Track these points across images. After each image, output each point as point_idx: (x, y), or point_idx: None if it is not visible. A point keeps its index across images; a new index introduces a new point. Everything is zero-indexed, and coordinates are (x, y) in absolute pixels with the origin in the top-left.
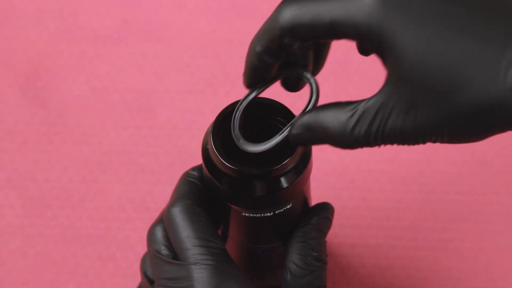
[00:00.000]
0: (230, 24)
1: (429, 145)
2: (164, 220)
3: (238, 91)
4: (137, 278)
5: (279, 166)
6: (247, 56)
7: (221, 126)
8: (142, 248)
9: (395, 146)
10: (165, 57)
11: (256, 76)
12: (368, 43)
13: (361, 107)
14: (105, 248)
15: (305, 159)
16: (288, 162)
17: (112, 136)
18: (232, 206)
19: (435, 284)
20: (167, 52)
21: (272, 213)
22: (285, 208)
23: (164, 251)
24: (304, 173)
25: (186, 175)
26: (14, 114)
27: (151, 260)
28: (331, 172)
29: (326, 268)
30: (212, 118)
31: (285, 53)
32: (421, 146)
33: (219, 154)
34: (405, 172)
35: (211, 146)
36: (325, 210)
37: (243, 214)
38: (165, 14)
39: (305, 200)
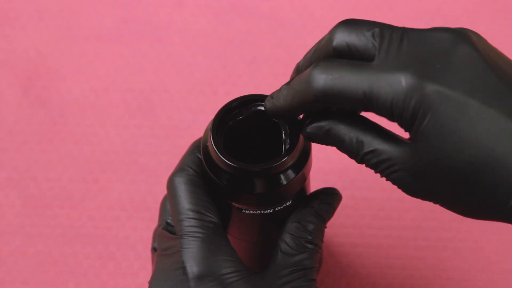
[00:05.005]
0: (230, 24)
1: None
2: (166, 188)
3: (238, 91)
4: (137, 278)
5: (279, 163)
6: (283, 102)
7: (221, 123)
8: (142, 248)
9: None
10: (165, 57)
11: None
12: (398, 121)
13: (375, 144)
14: (105, 247)
15: (305, 156)
16: (288, 159)
17: (112, 136)
18: (232, 203)
19: (435, 284)
20: (167, 52)
21: (272, 210)
22: (285, 205)
23: (170, 221)
24: (303, 170)
25: (194, 145)
26: (14, 114)
27: (155, 230)
28: (331, 172)
29: (318, 251)
30: (212, 117)
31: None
32: None
33: (218, 151)
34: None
35: (211, 143)
36: (329, 195)
37: (243, 211)
38: (165, 14)
39: (305, 197)
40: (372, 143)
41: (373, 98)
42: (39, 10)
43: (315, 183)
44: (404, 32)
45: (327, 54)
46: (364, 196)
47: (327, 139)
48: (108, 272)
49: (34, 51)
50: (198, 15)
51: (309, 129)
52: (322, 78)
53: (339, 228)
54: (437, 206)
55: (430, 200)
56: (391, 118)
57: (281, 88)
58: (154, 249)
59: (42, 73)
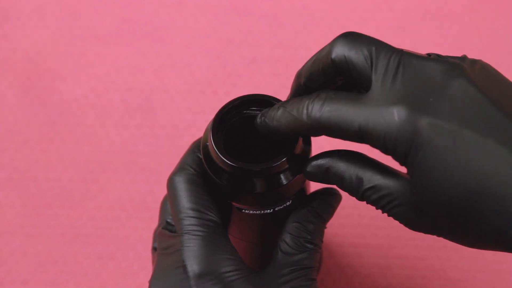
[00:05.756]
0: (230, 24)
1: None
2: (166, 188)
3: (238, 91)
4: (137, 278)
5: (279, 163)
6: (276, 124)
7: (221, 123)
8: (142, 248)
9: None
10: (165, 56)
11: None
12: (392, 155)
13: (375, 180)
14: (105, 247)
15: (305, 156)
16: (288, 159)
17: (112, 135)
18: (232, 203)
19: (435, 284)
20: (167, 52)
21: (272, 210)
22: (285, 205)
23: (171, 220)
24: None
25: (194, 145)
26: (14, 114)
27: (156, 230)
28: None
29: (318, 251)
30: (212, 117)
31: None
32: None
33: (218, 151)
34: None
35: (211, 143)
36: (329, 195)
37: (243, 211)
38: (165, 14)
39: (305, 197)
40: (372, 179)
41: (367, 131)
42: (39, 10)
43: (315, 183)
44: (401, 59)
45: (325, 65)
46: None
47: (327, 177)
48: (108, 272)
49: (34, 51)
50: (198, 15)
51: (309, 168)
52: (320, 110)
53: (339, 228)
54: None
55: (433, 234)
56: (385, 151)
57: (275, 108)
58: (154, 249)
59: (42, 73)
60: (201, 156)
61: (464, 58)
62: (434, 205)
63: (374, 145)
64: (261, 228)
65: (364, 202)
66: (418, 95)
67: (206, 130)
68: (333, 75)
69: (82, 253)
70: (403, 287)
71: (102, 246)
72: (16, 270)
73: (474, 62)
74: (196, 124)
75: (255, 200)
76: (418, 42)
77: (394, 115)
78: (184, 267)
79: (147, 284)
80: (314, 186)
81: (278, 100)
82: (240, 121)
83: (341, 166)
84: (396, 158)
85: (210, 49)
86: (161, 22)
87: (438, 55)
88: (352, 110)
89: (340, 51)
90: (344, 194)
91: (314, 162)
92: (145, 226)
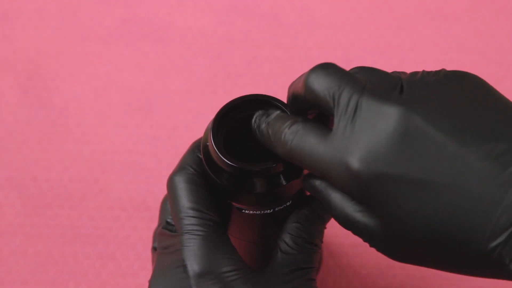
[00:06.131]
0: (230, 24)
1: None
2: (166, 187)
3: (238, 91)
4: (137, 278)
5: (279, 163)
6: (261, 139)
7: (221, 123)
8: (142, 248)
9: None
10: (165, 56)
11: None
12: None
13: (356, 217)
14: (105, 247)
15: None
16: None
17: (112, 135)
18: (232, 203)
19: (435, 283)
20: (167, 52)
21: (272, 210)
22: (285, 205)
23: (170, 220)
24: (304, 170)
25: (194, 145)
26: (14, 114)
27: (156, 230)
28: None
29: (318, 251)
30: (212, 117)
31: None
32: None
33: (218, 151)
34: None
35: (211, 143)
36: None
37: (243, 211)
38: (165, 13)
39: (306, 197)
40: (353, 215)
41: (327, 176)
42: (39, 10)
43: None
44: (359, 102)
45: (300, 95)
46: None
47: (318, 197)
48: (108, 272)
49: (34, 51)
50: (198, 15)
51: (304, 184)
52: (290, 143)
53: (339, 228)
54: None
55: (419, 265)
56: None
57: (263, 121)
58: (154, 249)
59: (42, 73)
60: (201, 156)
61: (439, 72)
62: (406, 242)
63: (336, 188)
64: (261, 228)
65: None
66: (370, 145)
67: (206, 130)
68: (307, 105)
69: (82, 253)
70: (403, 287)
71: (102, 246)
72: (16, 270)
73: (449, 80)
74: (196, 124)
75: (255, 200)
76: (418, 42)
77: (348, 166)
78: (184, 266)
79: (147, 284)
80: None
81: (278, 100)
82: (240, 121)
83: (330, 194)
84: (357, 204)
85: (210, 49)
86: (161, 22)
87: (415, 74)
88: (314, 152)
89: (310, 84)
90: None
91: (311, 181)
92: (145, 226)
